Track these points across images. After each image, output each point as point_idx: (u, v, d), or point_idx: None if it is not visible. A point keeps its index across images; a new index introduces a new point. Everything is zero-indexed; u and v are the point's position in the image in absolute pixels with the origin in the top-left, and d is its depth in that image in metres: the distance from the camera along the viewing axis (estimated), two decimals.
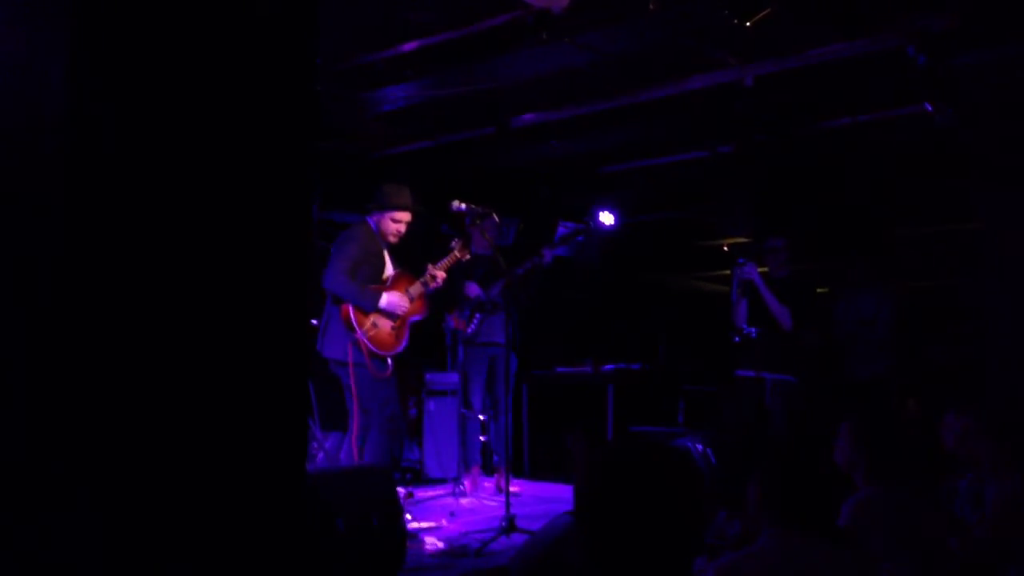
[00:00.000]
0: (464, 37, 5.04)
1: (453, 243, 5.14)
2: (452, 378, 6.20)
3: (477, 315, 5.85)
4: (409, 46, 5.23)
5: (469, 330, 5.83)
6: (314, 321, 5.01)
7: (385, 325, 4.81)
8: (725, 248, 8.12)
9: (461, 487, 5.71)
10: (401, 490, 4.87)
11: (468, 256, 5.22)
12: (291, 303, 2.18)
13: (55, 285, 1.80)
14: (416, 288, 4.95)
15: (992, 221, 5.24)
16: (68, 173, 1.81)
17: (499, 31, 4.94)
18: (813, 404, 5.50)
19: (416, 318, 5.02)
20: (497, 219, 5.32)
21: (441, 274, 5.05)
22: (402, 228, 4.94)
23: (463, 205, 5.05)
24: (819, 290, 6.39)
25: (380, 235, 4.94)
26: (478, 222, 5.20)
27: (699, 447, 5.11)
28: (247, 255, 2.08)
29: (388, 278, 4.94)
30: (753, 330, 5.62)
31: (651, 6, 4.44)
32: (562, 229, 7.08)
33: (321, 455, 5.88)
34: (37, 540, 1.76)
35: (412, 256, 5.24)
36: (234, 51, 2.06)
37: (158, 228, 1.92)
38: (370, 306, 4.75)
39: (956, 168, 5.69)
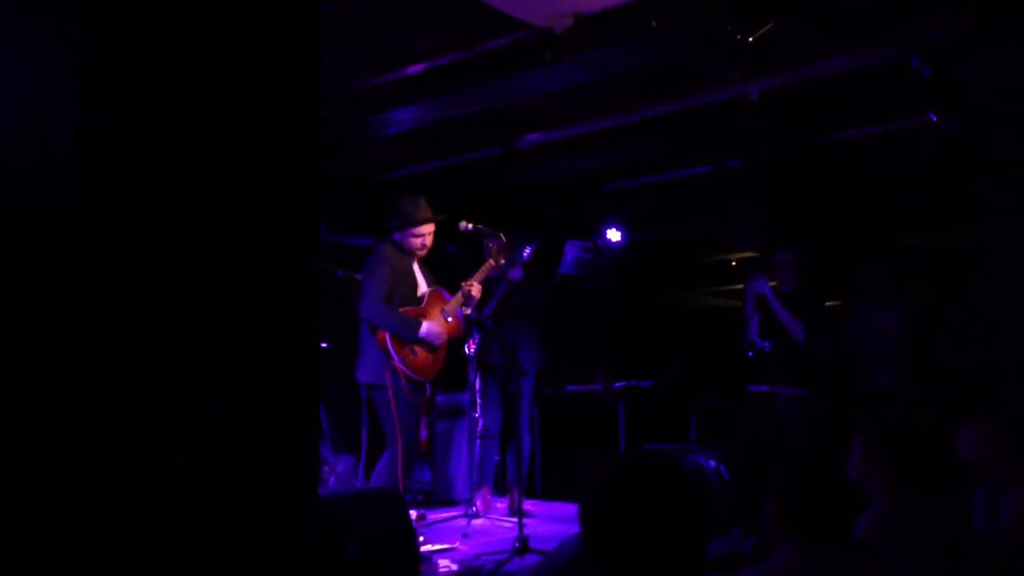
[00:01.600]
0: (469, 58, 5.07)
1: (489, 245, 5.10)
2: (462, 399, 6.19)
3: (478, 336, 5.82)
4: (415, 68, 5.26)
5: (471, 354, 5.79)
6: (324, 344, 5.01)
7: (423, 351, 4.74)
8: (734, 263, 8.10)
9: (473, 508, 5.69)
10: (413, 512, 4.84)
11: (503, 262, 5.18)
12: (301, 325, 2.18)
13: (65, 310, 1.80)
14: (452, 306, 4.91)
15: (1002, 229, 5.22)
16: (78, 203, 1.82)
17: (503, 52, 4.96)
18: (827, 416, 5.47)
19: (455, 337, 4.99)
20: (504, 239, 5.31)
21: (477, 287, 5.02)
22: (428, 240, 4.88)
23: (470, 225, 5.05)
24: (829, 302, 6.36)
25: (408, 251, 4.88)
26: (486, 242, 5.20)
27: (712, 463, 5.08)
28: (255, 278, 2.09)
29: (423, 296, 4.87)
30: (767, 344, 5.60)
31: (654, 23, 4.46)
32: (570, 247, 7.08)
33: (333, 479, 5.87)
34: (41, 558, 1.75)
35: (443, 270, 5.22)
36: (239, 76, 2.07)
37: (167, 255, 1.92)
38: (410, 337, 4.67)
39: (964, 177, 5.68)
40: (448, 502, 6.27)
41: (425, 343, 4.72)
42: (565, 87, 5.33)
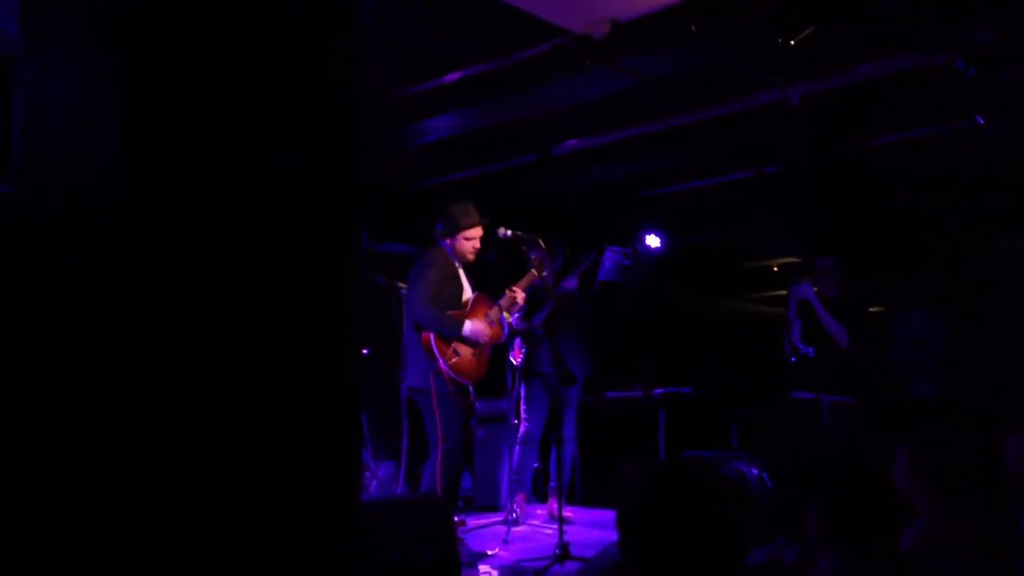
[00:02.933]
0: (506, 66, 5.08)
1: (532, 257, 5.13)
2: (502, 405, 6.20)
3: (524, 346, 5.84)
4: (452, 77, 5.28)
5: (517, 363, 5.81)
6: (365, 351, 5.04)
7: (467, 353, 4.77)
8: (775, 269, 8.03)
9: (513, 515, 5.69)
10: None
11: (546, 273, 5.19)
12: (342, 331, 2.19)
13: (107, 317, 1.83)
14: (495, 312, 4.94)
15: None
16: (119, 212, 1.85)
17: (541, 59, 4.96)
18: (873, 425, 5.40)
19: (496, 342, 5.02)
20: (544, 245, 5.30)
21: (521, 294, 5.05)
22: (477, 244, 4.94)
23: (509, 232, 5.06)
24: (872, 309, 6.28)
25: (457, 256, 4.93)
26: (524, 249, 5.22)
27: (754, 471, 5.04)
28: (297, 286, 2.11)
29: (468, 301, 4.92)
30: (810, 349, 5.55)
31: (693, 28, 4.44)
32: (609, 254, 7.06)
33: (374, 484, 5.90)
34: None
35: (484, 277, 5.25)
36: (279, 86, 2.10)
37: (210, 264, 1.95)
38: (454, 334, 4.71)
39: (1009, 182, 5.58)
40: (489, 508, 6.27)
41: (468, 343, 4.75)
42: (603, 94, 5.32)
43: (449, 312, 4.78)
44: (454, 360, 4.70)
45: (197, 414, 1.89)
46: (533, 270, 5.10)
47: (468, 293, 4.96)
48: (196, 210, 1.94)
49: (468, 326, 4.73)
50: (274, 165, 2.09)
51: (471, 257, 4.95)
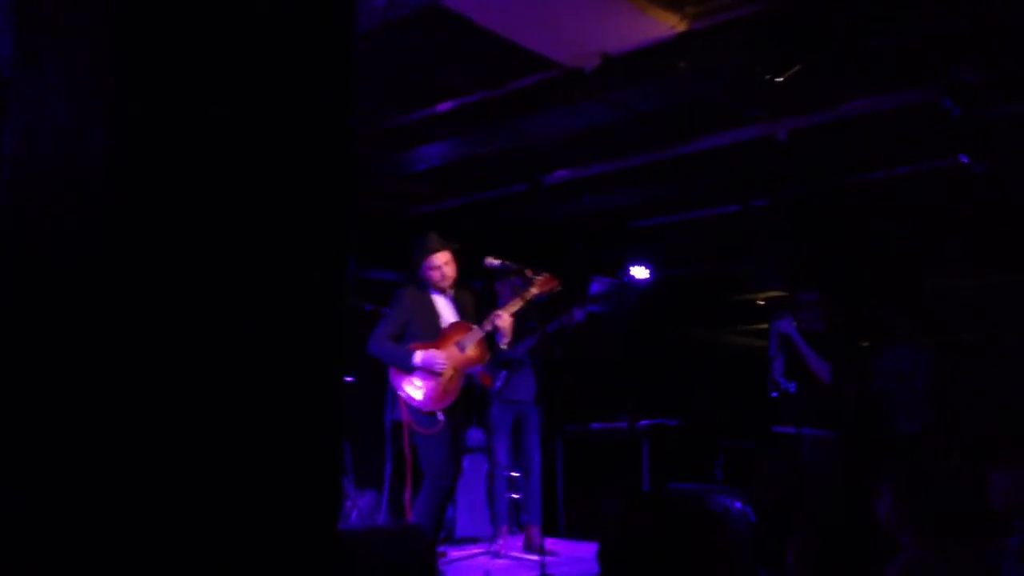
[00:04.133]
0: (498, 96, 5.12)
1: (534, 278, 5.13)
2: (478, 435, 6.18)
3: (503, 372, 5.81)
4: (444, 106, 5.31)
5: (496, 387, 5.79)
6: (349, 379, 5.01)
7: (428, 381, 4.80)
8: (761, 302, 8.07)
9: (495, 546, 5.64)
10: None
11: (552, 289, 5.16)
12: (327, 359, 2.19)
13: (92, 345, 1.83)
14: (472, 337, 4.93)
15: None
16: (109, 237, 1.85)
17: (532, 90, 5.01)
18: (854, 460, 5.40)
19: (475, 369, 5.01)
20: (530, 275, 5.29)
21: (505, 316, 5.02)
22: (446, 271, 4.96)
23: (497, 261, 5.06)
24: (856, 344, 6.31)
25: (432, 286, 4.97)
26: (509, 279, 5.23)
27: (737, 505, 5.03)
28: (284, 312, 2.10)
29: (443, 330, 4.96)
30: (792, 385, 5.55)
31: (682, 64, 4.48)
32: (596, 284, 7.08)
33: (355, 513, 5.85)
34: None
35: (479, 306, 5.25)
36: (273, 112, 2.11)
37: (196, 289, 1.95)
38: (405, 366, 4.78)
39: (995, 219, 5.63)
40: (469, 540, 6.23)
41: (424, 372, 4.78)
42: (592, 125, 5.37)
43: (416, 344, 4.83)
44: (412, 389, 4.77)
45: (173, 434, 1.88)
46: (524, 293, 5.09)
47: (448, 321, 4.97)
48: (187, 232, 1.94)
49: (419, 356, 4.78)
50: (268, 190, 2.09)
51: (443, 284, 4.98)
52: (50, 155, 1.95)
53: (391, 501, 5.58)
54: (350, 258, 2.35)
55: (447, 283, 4.97)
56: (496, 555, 5.60)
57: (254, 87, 2.08)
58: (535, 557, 5.13)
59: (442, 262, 4.95)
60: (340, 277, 2.25)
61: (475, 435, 6.43)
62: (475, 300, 5.18)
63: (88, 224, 1.88)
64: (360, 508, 5.89)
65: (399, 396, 4.78)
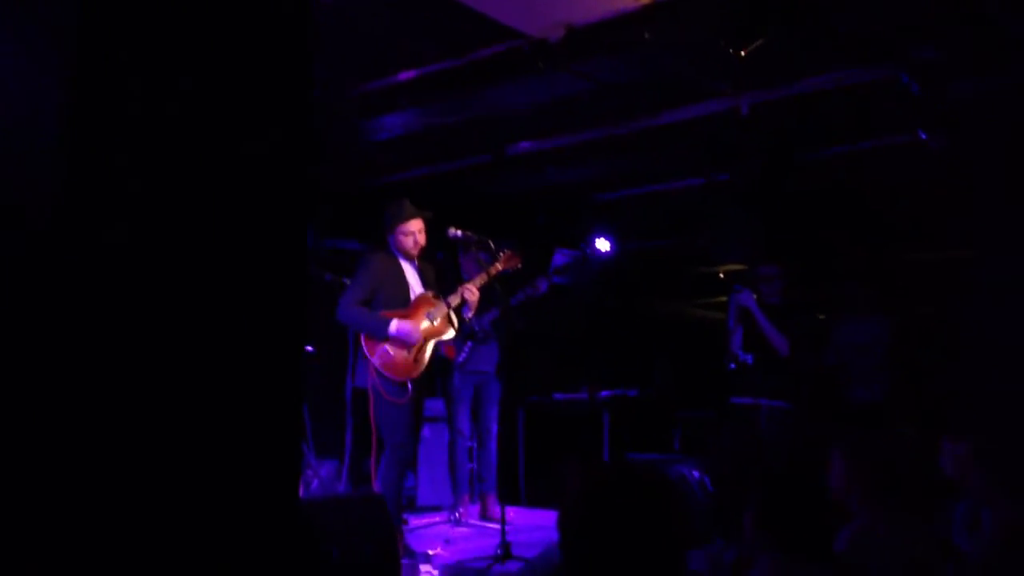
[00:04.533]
0: (461, 66, 5.08)
1: (500, 253, 5.11)
2: (440, 404, 6.20)
3: (468, 343, 5.83)
4: (406, 75, 5.26)
5: (459, 358, 5.80)
6: (310, 348, 5.00)
7: (399, 351, 4.76)
8: (721, 275, 8.14)
9: (456, 514, 5.68)
10: None
11: (516, 266, 5.16)
12: (286, 328, 2.18)
13: (47, 311, 1.80)
14: (440, 309, 4.90)
15: (986, 247, 5.26)
16: (64, 204, 1.82)
17: (496, 60, 4.97)
18: (809, 430, 5.49)
19: (443, 340, 4.99)
20: (493, 246, 5.30)
21: (474, 292, 5.01)
22: (419, 238, 4.92)
23: (459, 232, 5.05)
24: (816, 316, 6.40)
25: (402, 253, 4.93)
26: (472, 250, 5.22)
27: (695, 474, 5.10)
28: (242, 281, 2.09)
29: (413, 300, 4.91)
30: (749, 357, 5.62)
31: (646, 35, 4.48)
32: (559, 256, 7.10)
33: (316, 482, 5.85)
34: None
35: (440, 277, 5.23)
36: (231, 82, 2.08)
37: (154, 257, 1.93)
38: (380, 334, 4.72)
39: (952, 195, 5.72)
40: (431, 508, 6.26)
41: (398, 342, 4.73)
42: (556, 97, 5.35)
43: (388, 312, 4.77)
44: (386, 359, 4.71)
45: (131, 404, 1.86)
46: (498, 264, 5.08)
47: (416, 291, 4.94)
48: (142, 204, 1.92)
49: (395, 325, 4.72)
50: (223, 161, 2.06)
51: (415, 252, 4.94)
52: (3, 128, 1.91)
53: (352, 470, 5.59)
54: (309, 227, 2.34)
55: (417, 251, 4.94)
56: (457, 523, 5.64)
57: (209, 58, 2.05)
58: (495, 525, 5.18)
59: (416, 229, 4.91)
60: (299, 246, 2.24)
61: (437, 405, 6.44)
62: (435, 272, 5.16)
63: (45, 194, 1.85)
64: (321, 477, 5.89)
65: (370, 364, 4.69)
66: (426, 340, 4.84)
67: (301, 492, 4.82)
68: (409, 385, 4.76)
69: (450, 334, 4.99)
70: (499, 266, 5.07)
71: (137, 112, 1.91)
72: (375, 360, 4.69)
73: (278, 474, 2.15)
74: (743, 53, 4.45)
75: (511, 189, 7.47)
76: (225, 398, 2.03)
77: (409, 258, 4.95)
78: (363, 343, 4.72)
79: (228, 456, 2.02)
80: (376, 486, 4.66)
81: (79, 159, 1.83)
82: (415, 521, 5.69)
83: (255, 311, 2.11)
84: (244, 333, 2.08)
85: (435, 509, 6.17)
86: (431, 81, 5.26)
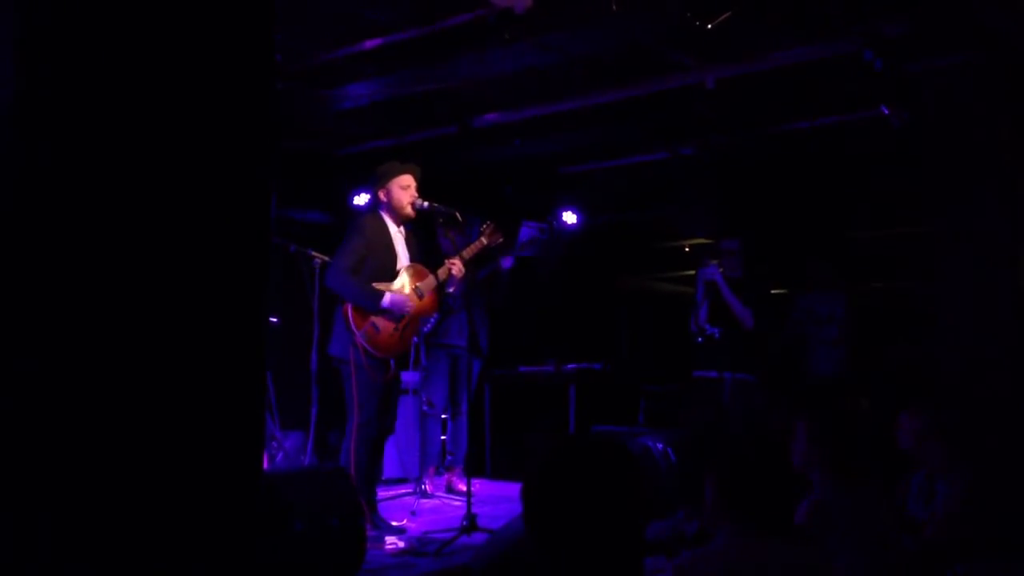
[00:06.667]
0: (426, 35, 5.03)
1: (482, 228, 5.04)
2: (413, 377, 6.18)
3: (435, 314, 5.80)
4: (371, 43, 5.20)
5: (425, 329, 5.77)
6: (274, 319, 4.94)
7: (387, 326, 4.57)
8: (687, 249, 8.18)
9: (423, 486, 5.70)
10: None
11: (499, 240, 5.09)
12: (250, 299, 2.16)
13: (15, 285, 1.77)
14: (428, 283, 4.76)
15: (943, 224, 5.33)
16: (17, 174, 1.79)
17: (461, 30, 4.93)
18: (771, 403, 5.57)
19: (428, 316, 4.87)
20: (460, 218, 5.24)
21: (459, 266, 4.92)
22: (415, 193, 4.74)
23: (426, 204, 4.98)
24: (775, 291, 6.47)
25: (395, 213, 4.74)
26: (441, 222, 5.17)
27: (659, 446, 5.15)
28: (205, 252, 2.06)
29: (400, 270, 4.73)
30: (716, 330, 5.67)
31: (613, 7, 4.46)
32: (525, 230, 7.08)
33: (281, 455, 5.84)
34: None
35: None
36: (190, 49, 2.04)
37: (114, 227, 1.90)
38: (372, 306, 4.51)
39: (912, 172, 5.78)
40: (398, 480, 6.27)
41: (388, 315, 4.58)
42: (523, 68, 5.33)
43: (376, 284, 4.60)
44: (372, 333, 4.53)
45: (96, 375, 1.84)
46: (481, 239, 5.02)
47: (403, 261, 4.78)
48: (95, 169, 1.88)
49: (388, 298, 4.54)
50: (182, 127, 2.03)
51: (410, 211, 4.74)
52: None
53: (317, 442, 5.57)
54: (272, 197, 2.31)
55: (411, 209, 4.75)
56: (424, 494, 5.66)
57: (166, 22, 2.01)
58: (461, 498, 5.20)
59: (411, 183, 4.76)
60: (262, 216, 2.21)
61: (410, 377, 6.42)
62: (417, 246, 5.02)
63: None
64: (286, 449, 5.87)
65: (355, 336, 4.49)
66: (413, 316, 4.70)
67: (266, 464, 4.79)
68: (392, 363, 4.67)
69: (435, 315, 4.91)
70: (484, 240, 5.03)
71: (88, 80, 1.87)
72: (359, 335, 4.48)
73: (242, 445, 2.14)
74: (709, 26, 4.46)
75: (478, 161, 7.44)
76: (187, 369, 2.01)
77: (402, 220, 4.77)
78: (350, 315, 4.50)
79: (191, 428, 2.01)
80: (342, 459, 4.59)
81: (30, 122, 1.80)
82: (382, 492, 5.69)
83: (217, 281, 2.09)
84: (206, 303, 2.06)
85: (402, 481, 6.18)
86: (396, 49, 5.21)
